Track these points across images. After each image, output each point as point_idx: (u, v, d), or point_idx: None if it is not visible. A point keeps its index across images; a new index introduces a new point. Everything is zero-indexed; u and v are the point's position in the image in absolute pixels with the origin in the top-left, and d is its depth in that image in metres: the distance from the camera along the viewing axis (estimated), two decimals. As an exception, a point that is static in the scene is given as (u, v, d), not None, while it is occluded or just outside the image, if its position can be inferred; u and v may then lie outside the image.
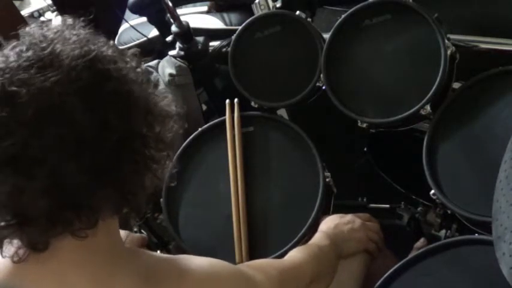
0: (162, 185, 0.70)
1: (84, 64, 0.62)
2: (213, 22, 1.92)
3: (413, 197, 1.40)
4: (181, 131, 0.76)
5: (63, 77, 0.60)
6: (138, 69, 0.69)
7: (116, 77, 0.65)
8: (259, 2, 1.42)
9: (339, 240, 1.06)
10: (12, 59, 0.62)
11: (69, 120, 0.60)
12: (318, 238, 1.06)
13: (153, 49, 1.85)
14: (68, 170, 0.60)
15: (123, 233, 1.17)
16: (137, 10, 1.66)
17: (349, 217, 1.12)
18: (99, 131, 0.61)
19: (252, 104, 1.34)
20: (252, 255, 1.13)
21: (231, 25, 1.88)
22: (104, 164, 0.62)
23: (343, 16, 1.25)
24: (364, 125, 1.22)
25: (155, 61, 1.74)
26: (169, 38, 1.59)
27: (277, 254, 1.11)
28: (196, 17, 1.95)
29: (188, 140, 1.33)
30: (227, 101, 1.32)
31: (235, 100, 1.31)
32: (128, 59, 0.69)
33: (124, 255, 0.72)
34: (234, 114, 1.30)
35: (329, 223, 1.10)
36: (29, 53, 0.62)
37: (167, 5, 1.45)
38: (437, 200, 1.08)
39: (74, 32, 0.67)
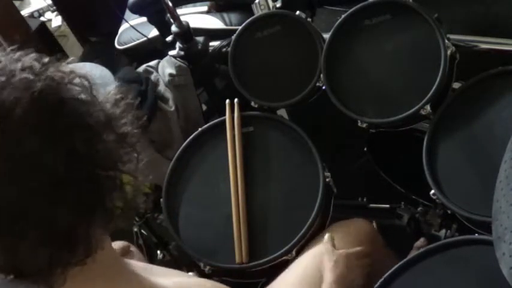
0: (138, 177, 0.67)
1: (32, 106, 0.58)
2: (213, 22, 1.92)
3: (413, 197, 1.40)
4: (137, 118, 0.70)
5: (15, 127, 0.57)
6: (78, 80, 0.65)
7: (68, 103, 0.61)
8: (259, 2, 1.42)
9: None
10: None
11: (36, 165, 0.57)
12: None
13: (153, 49, 1.85)
14: (54, 214, 0.58)
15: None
16: (137, 10, 1.66)
17: (354, 261, 1.02)
18: (69, 164, 0.59)
19: (252, 104, 1.34)
20: (252, 255, 1.13)
21: (231, 25, 1.88)
22: (86, 193, 0.61)
23: (343, 16, 1.25)
24: (364, 125, 1.22)
25: (155, 61, 1.74)
26: (169, 38, 1.59)
27: (277, 254, 1.11)
28: (196, 17, 1.95)
29: (188, 140, 1.33)
30: (227, 101, 1.32)
31: (235, 100, 1.31)
32: (70, 75, 0.64)
33: (124, 272, 0.72)
34: (234, 114, 1.30)
35: (336, 272, 0.99)
36: None
37: (167, 5, 1.45)
38: (437, 200, 1.07)
39: (14, 68, 0.60)
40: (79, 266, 0.63)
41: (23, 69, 0.60)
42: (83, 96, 0.63)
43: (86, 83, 0.64)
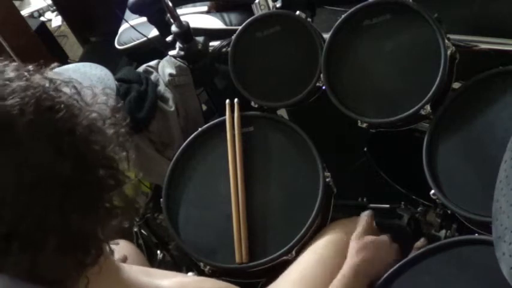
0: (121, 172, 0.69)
1: (32, 114, 0.58)
2: (213, 22, 1.92)
3: (413, 197, 1.40)
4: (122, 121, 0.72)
5: (18, 137, 0.57)
6: (65, 85, 0.67)
7: (61, 107, 0.62)
8: (259, 2, 1.42)
9: (368, 271, 0.99)
10: None
11: (43, 172, 0.58)
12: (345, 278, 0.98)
13: (153, 49, 1.85)
14: (66, 219, 0.59)
15: None
16: (137, 10, 1.66)
17: (382, 241, 1.03)
18: (71, 167, 0.60)
19: (252, 104, 1.34)
20: (252, 255, 1.13)
21: (231, 25, 1.88)
22: (89, 194, 0.62)
23: (343, 16, 1.25)
24: (364, 125, 1.22)
25: (155, 61, 1.74)
26: (169, 38, 1.59)
27: (277, 254, 1.11)
28: (196, 17, 1.95)
29: (188, 140, 1.33)
30: (227, 101, 1.32)
31: (235, 100, 1.31)
32: (57, 81, 0.66)
33: (123, 280, 0.73)
34: (234, 114, 1.30)
35: (365, 258, 1.00)
36: None
37: (167, 5, 1.45)
38: (437, 200, 1.07)
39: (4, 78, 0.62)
40: (93, 266, 0.64)
41: (10, 80, 0.61)
42: (73, 100, 0.65)
43: (73, 87, 0.66)
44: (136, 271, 0.77)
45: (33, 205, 0.57)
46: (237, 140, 1.26)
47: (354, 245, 1.03)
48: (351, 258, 1.01)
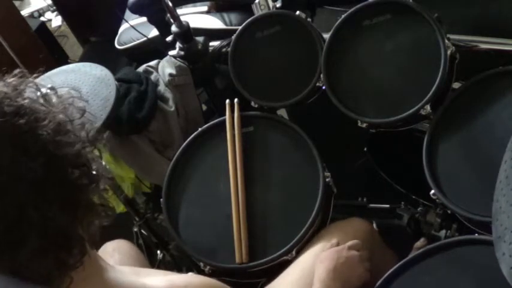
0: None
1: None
2: (213, 22, 1.92)
3: (413, 197, 1.40)
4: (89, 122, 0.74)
5: None
6: (31, 90, 0.68)
7: (25, 110, 0.64)
8: (259, 2, 1.42)
9: (339, 285, 1.00)
10: None
11: (17, 174, 0.60)
12: None
13: (153, 49, 1.85)
14: (44, 217, 0.61)
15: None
16: (137, 10, 1.66)
17: (345, 253, 1.03)
18: (44, 167, 0.62)
19: (252, 104, 1.34)
20: (252, 255, 1.13)
21: (231, 25, 1.88)
22: (66, 191, 0.64)
23: (343, 16, 1.25)
24: (364, 125, 1.22)
25: (155, 61, 1.74)
26: (169, 38, 1.59)
27: (277, 253, 1.11)
28: (196, 17, 1.95)
29: (188, 140, 1.33)
30: (227, 101, 1.32)
31: (235, 100, 1.31)
32: (20, 86, 0.68)
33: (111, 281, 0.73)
34: (234, 114, 1.30)
35: (326, 266, 1.01)
36: None
37: (167, 5, 1.45)
38: (437, 200, 1.07)
39: None
40: (77, 267, 0.65)
41: None
42: (37, 104, 0.66)
43: (38, 91, 0.68)
44: (123, 271, 0.78)
45: (7, 205, 0.59)
46: (237, 140, 1.26)
47: (322, 254, 1.04)
48: (316, 267, 1.02)
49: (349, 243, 1.05)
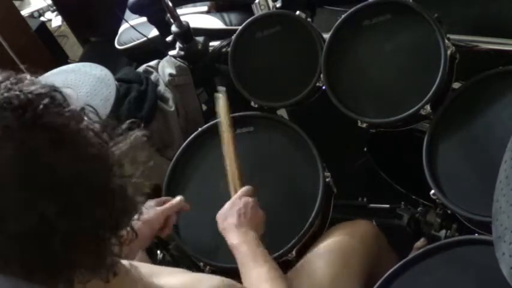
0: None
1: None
2: (213, 22, 1.92)
3: (413, 197, 1.40)
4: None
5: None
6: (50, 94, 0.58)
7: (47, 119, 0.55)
8: (259, 2, 1.42)
9: (252, 236, 1.00)
10: None
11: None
12: (247, 257, 0.98)
13: (153, 49, 1.85)
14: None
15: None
16: (137, 10, 1.66)
17: (240, 202, 1.04)
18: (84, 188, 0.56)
19: (252, 104, 1.34)
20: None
21: (231, 25, 1.88)
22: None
23: (343, 16, 1.25)
24: (364, 125, 1.22)
25: (155, 61, 1.74)
26: (169, 38, 1.59)
27: (277, 254, 1.11)
28: (196, 17, 1.95)
29: (188, 140, 1.33)
30: (219, 95, 1.26)
31: (221, 88, 1.25)
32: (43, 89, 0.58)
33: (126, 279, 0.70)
34: (233, 114, 1.30)
35: (231, 222, 1.02)
36: None
37: (167, 5, 1.45)
38: (437, 200, 1.07)
39: None
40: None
41: None
42: (60, 108, 0.58)
43: (58, 95, 0.59)
44: (140, 269, 0.75)
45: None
46: (223, 128, 1.20)
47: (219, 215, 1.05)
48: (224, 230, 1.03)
49: (240, 191, 1.07)
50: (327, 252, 1.08)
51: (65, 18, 2.82)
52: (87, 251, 0.58)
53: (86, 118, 0.60)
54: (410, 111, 1.14)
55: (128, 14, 1.84)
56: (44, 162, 0.54)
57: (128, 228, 0.63)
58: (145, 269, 0.76)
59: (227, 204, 1.06)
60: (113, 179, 0.59)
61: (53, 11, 3.11)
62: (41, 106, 0.55)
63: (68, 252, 0.56)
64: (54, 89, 0.59)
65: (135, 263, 0.73)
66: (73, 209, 0.55)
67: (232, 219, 1.02)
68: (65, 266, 0.57)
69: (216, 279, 0.81)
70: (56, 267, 0.56)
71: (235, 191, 1.19)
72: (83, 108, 0.60)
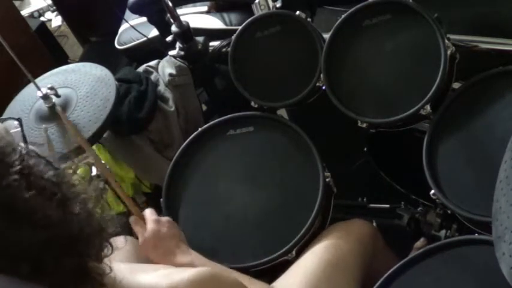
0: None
1: None
2: (213, 22, 1.92)
3: (413, 197, 1.40)
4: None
5: None
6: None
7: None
8: (259, 2, 1.42)
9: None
10: None
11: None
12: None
13: (153, 49, 1.86)
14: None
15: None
16: (137, 10, 1.66)
17: (148, 234, 1.04)
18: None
19: (252, 104, 1.34)
20: (252, 255, 1.13)
21: (231, 25, 1.88)
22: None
23: (343, 16, 1.25)
24: (364, 125, 1.22)
25: (155, 61, 1.74)
26: (169, 38, 1.59)
27: (277, 253, 1.11)
28: (196, 17, 1.95)
29: (188, 140, 1.33)
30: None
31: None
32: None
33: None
34: (233, 114, 1.30)
35: (151, 255, 1.04)
36: None
37: (167, 5, 1.45)
38: (437, 200, 1.08)
39: None
40: None
41: None
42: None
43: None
44: (121, 269, 0.76)
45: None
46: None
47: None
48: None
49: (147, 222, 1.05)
50: (322, 251, 1.08)
51: (65, 18, 2.82)
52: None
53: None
54: (410, 111, 1.14)
55: (128, 14, 1.84)
56: None
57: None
58: (125, 267, 0.77)
59: (141, 242, 1.05)
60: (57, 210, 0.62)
61: (53, 11, 3.11)
62: None
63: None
64: None
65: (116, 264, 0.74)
66: None
67: (154, 256, 1.03)
68: None
69: (192, 270, 0.81)
70: None
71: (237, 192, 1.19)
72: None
